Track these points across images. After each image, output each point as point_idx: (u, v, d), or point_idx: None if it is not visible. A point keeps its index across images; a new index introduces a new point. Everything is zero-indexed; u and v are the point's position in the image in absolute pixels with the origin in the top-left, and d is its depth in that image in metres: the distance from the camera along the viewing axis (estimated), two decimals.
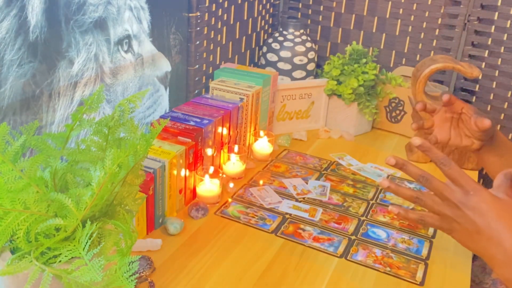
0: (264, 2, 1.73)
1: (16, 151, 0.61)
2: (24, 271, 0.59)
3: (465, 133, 0.94)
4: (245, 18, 1.63)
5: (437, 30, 1.59)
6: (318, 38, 1.80)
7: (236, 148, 1.24)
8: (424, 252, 1.00)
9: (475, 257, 0.96)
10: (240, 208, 1.11)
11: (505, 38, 1.48)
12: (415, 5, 1.60)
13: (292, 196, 1.17)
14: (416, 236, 1.05)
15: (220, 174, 1.12)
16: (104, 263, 0.57)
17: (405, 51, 1.66)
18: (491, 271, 0.90)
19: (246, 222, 1.06)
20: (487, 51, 1.52)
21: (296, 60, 1.61)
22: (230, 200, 1.13)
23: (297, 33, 1.63)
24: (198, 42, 1.37)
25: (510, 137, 1.55)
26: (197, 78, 1.41)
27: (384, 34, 1.68)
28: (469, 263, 0.97)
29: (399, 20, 1.64)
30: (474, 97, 1.58)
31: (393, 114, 1.57)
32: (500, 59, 1.50)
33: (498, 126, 1.56)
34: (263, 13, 1.75)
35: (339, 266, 0.94)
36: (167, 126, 1.10)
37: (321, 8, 1.76)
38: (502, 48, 1.49)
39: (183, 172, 1.05)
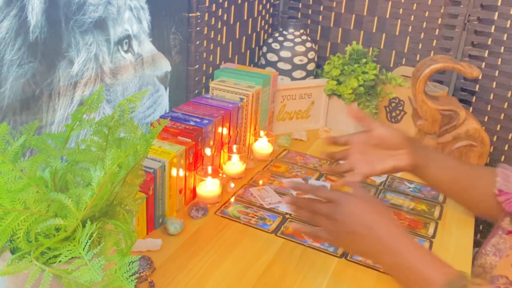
0: (264, 2, 1.73)
1: (16, 151, 0.61)
2: (24, 271, 0.59)
3: (385, 155, 0.95)
4: (245, 18, 1.63)
5: (437, 30, 1.59)
6: (318, 38, 1.80)
7: (235, 148, 1.24)
8: None
9: (475, 258, 0.96)
10: (240, 208, 1.11)
11: (505, 38, 1.48)
12: (415, 5, 1.60)
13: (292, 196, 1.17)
14: (416, 236, 1.05)
15: (220, 174, 1.12)
16: (104, 263, 0.57)
17: (405, 51, 1.66)
18: (491, 270, 0.90)
19: (246, 222, 1.06)
20: (487, 51, 1.52)
21: (296, 60, 1.61)
22: (232, 200, 1.13)
23: (297, 33, 1.63)
24: (198, 42, 1.37)
25: (510, 137, 1.55)
26: (197, 78, 1.41)
27: (384, 34, 1.68)
28: (469, 264, 0.97)
29: (399, 20, 1.64)
30: (474, 97, 1.58)
31: (393, 114, 1.57)
32: (500, 59, 1.50)
33: (498, 126, 1.56)
34: (263, 13, 1.75)
35: (339, 266, 0.94)
36: (167, 126, 1.10)
37: (321, 8, 1.76)
38: (502, 48, 1.49)
39: (181, 172, 1.05)
